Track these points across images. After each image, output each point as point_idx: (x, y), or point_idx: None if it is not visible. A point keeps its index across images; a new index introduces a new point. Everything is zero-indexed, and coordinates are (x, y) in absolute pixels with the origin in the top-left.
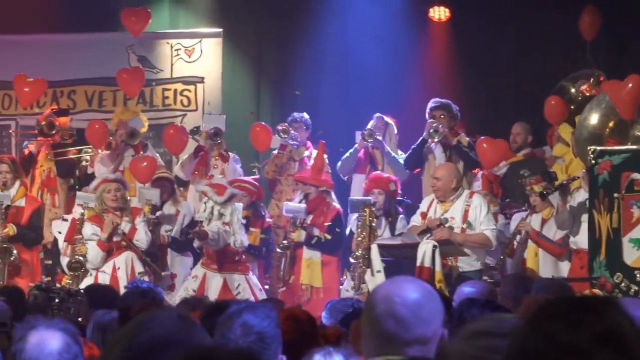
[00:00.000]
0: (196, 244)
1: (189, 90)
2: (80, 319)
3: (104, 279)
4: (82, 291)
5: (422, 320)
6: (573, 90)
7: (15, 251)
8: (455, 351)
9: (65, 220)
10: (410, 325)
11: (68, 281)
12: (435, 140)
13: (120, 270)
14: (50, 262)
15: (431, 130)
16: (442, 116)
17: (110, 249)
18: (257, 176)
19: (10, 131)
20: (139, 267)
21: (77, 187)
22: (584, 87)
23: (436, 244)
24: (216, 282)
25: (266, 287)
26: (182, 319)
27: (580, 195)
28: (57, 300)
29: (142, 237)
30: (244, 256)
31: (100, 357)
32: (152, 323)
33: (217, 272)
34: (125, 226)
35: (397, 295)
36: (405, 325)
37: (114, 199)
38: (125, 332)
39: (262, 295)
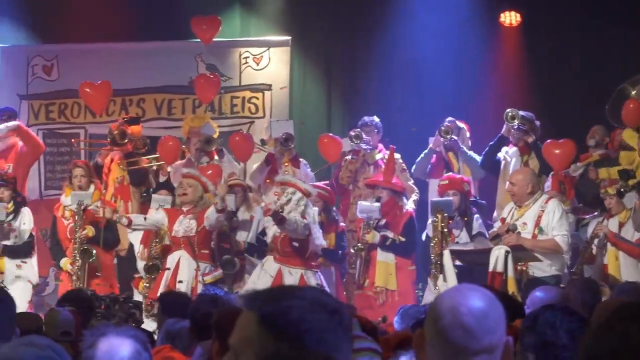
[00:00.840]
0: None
1: (257, 98)
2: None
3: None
4: (129, 297)
5: (489, 328)
6: (634, 92)
7: (94, 252)
8: None
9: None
10: (479, 335)
11: (145, 285)
12: (515, 125)
13: (169, 268)
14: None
15: (509, 115)
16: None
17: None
18: (328, 181)
19: (80, 140)
20: (184, 267)
21: (151, 193)
22: None
23: (509, 249)
24: (293, 278)
25: (344, 293)
26: (329, 314)
27: None
28: (102, 307)
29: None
30: (320, 258)
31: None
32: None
33: (294, 267)
34: (189, 223)
35: (463, 305)
36: (473, 336)
37: (183, 194)
38: (261, 295)
39: None
